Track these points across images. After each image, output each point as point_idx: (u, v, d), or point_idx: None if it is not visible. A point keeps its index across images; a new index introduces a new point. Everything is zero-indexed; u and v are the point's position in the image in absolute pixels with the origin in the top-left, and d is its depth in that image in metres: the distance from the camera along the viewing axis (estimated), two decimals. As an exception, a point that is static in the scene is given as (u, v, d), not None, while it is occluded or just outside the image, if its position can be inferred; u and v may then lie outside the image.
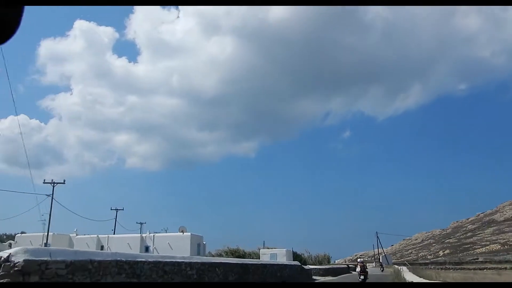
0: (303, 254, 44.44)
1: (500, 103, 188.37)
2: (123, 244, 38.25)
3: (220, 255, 35.86)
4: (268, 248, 35.95)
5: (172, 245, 35.83)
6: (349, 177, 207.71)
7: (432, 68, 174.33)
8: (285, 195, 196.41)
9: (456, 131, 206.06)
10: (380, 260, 62.54)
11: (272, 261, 19.27)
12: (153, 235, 37.67)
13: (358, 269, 22.84)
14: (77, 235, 44.42)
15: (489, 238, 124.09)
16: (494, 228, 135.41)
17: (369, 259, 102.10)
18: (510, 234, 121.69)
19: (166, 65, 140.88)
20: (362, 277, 22.06)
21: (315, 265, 37.19)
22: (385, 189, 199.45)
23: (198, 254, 35.49)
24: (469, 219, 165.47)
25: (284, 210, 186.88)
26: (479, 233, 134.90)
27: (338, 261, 64.64)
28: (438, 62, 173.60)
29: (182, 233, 36.92)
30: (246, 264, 14.98)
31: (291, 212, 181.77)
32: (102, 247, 40.47)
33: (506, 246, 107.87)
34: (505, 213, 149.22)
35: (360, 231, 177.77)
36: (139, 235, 38.61)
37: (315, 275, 28.26)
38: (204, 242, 39.94)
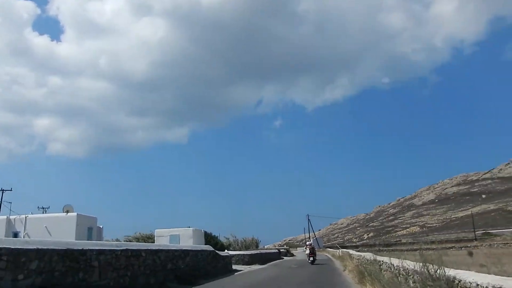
0: (229, 238, 38.00)
1: (419, 97, 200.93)
2: (-14, 229, 28.62)
3: (129, 242, 28.08)
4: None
5: (51, 229, 26.94)
6: (280, 164, 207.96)
7: (358, 62, 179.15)
8: (216, 181, 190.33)
9: (379, 122, 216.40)
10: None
11: (161, 246, 11.19)
12: (25, 217, 27.93)
13: (307, 251, 24.93)
14: None
15: (409, 221, 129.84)
16: (413, 212, 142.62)
17: (298, 243, 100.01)
18: (428, 217, 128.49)
19: (93, 45, 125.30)
20: (311, 258, 23.64)
21: (241, 250, 30.62)
22: (314, 176, 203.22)
23: (90, 239, 27.41)
24: (391, 204, 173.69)
25: (215, 196, 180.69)
26: (400, 217, 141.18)
27: (268, 247, 59.25)
28: (365, 56, 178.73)
29: (66, 213, 27.75)
30: (84, 251, 6.57)
31: (221, 198, 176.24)
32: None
33: (424, 228, 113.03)
34: (422, 197, 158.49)
35: (290, 216, 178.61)
36: (5, 217, 28.54)
37: (237, 264, 21.28)
38: (101, 226, 31.13)
